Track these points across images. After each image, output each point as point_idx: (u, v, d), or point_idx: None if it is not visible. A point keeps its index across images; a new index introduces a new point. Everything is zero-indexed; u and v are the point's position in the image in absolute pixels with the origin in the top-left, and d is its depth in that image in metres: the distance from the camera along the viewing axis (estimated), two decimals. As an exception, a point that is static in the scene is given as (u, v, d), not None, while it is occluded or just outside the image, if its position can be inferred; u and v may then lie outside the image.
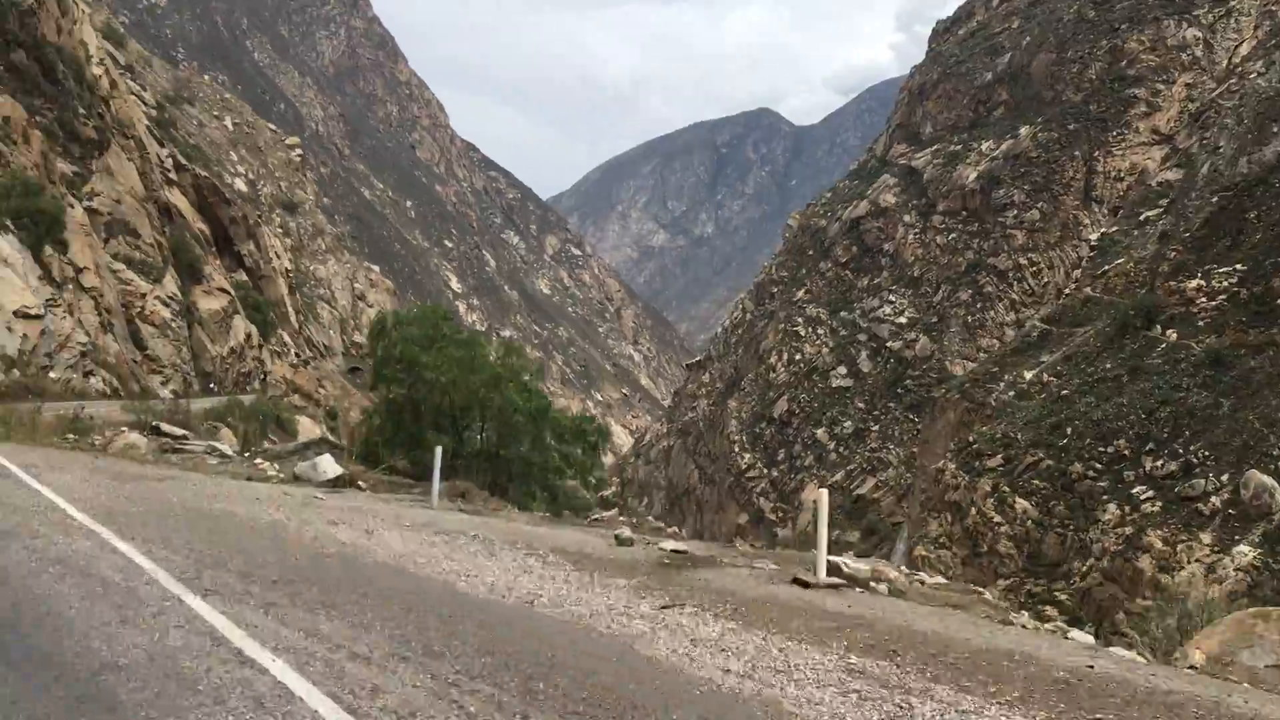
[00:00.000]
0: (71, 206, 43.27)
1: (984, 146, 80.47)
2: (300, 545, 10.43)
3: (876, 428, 69.40)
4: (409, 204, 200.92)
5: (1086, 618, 32.07)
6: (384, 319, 26.26)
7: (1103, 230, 60.40)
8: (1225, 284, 38.97)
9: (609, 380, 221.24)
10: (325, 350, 65.24)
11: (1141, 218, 56.97)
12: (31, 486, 12.92)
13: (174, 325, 48.85)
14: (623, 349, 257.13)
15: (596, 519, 18.68)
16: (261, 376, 55.29)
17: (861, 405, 72.37)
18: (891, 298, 78.09)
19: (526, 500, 19.90)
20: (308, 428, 38.00)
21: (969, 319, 69.97)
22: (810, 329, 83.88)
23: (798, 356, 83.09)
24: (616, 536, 12.67)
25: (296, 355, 59.42)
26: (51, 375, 36.64)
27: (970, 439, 42.12)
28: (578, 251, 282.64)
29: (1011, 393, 43.90)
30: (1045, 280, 68.43)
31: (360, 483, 17.38)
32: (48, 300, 38.37)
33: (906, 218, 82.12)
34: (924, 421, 53.23)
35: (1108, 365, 40.46)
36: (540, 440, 22.44)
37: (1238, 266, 39.22)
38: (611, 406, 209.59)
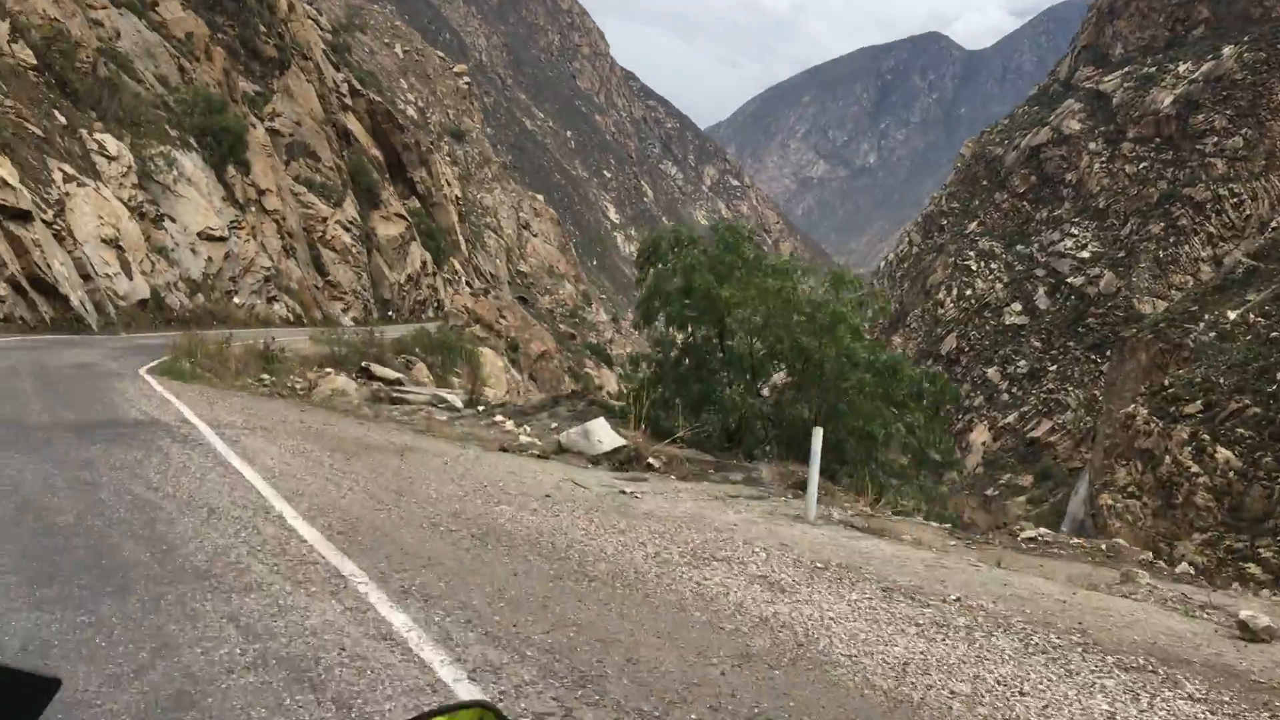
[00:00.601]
0: (254, 126, 42.72)
1: (1181, 68, 74.65)
2: (712, 637, 5.60)
3: (1054, 368, 66.03)
4: (569, 134, 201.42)
5: (1297, 578, 29.61)
6: (659, 238, 18.46)
7: (1318, 158, 55.24)
8: None
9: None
10: (492, 279, 65.60)
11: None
12: (230, 465, 9.60)
13: (355, 251, 48.25)
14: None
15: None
16: (435, 304, 55.20)
17: (1038, 344, 68.96)
18: (1073, 231, 73.80)
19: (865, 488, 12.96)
20: (491, 360, 37.16)
21: (1160, 254, 65.41)
22: (983, 263, 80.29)
23: (968, 292, 79.76)
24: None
25: (468, 284, 59.46)
26: (236, 301, 35.87)
27: (1165, 382, 39.28)
28: (736, 182, 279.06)
29: (1212, 334, 40.69)
30: (1247, 213, 63.25)
31: (651, 459, 12.74)
32: (232, 222, 37.61)
33: (1092, 145, 77.20)
34: (1110, 362, 50.10)
35: (1327, 305, 36.96)
36: (884, 407, 15.47)
37: None
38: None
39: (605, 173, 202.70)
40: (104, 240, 28.65)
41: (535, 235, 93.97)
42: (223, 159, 39.44)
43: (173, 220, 34.28)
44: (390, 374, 21.61)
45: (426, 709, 1.35)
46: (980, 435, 67.41)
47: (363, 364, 21.83)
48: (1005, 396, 68.22)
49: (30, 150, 27.27)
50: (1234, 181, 64.80)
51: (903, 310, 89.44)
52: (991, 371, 70.97)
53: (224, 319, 33.03)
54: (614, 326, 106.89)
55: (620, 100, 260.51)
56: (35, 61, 31.11)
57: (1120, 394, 45.02)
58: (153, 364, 19.06)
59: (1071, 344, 66.11)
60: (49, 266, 24.70)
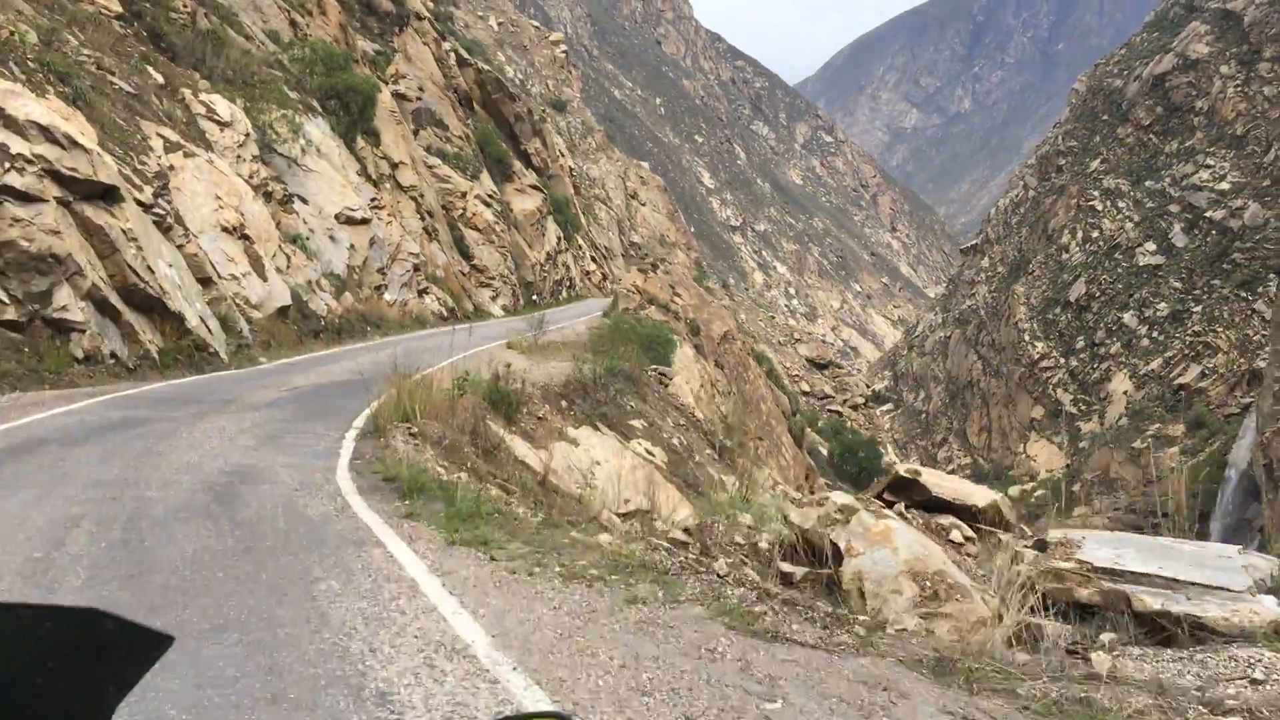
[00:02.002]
0: (380, 89, 36.86)
1: (1322, -23, 69.23)
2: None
3: (1199, 309, 61.96)
4: (658, 101, 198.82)
5: None
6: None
7: None
8: None
9: (867, 270, 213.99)
10: (607, 252, 63.81)
11: None
12: None
13: (498, 229, 43.80)
14: (880, 237, 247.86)
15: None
16: (569, 283, 52.26)
17: (1178, 285, 64.84)
18: (1209, 162, 69.16)
19: None
20: (682, 355, 31.60)
21: (1313, 179, 60.79)
22: (1109, 202, 76.05)
23: (1095, 234, 75.68)
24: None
25: (591, 259, 57.51)
26: (386, 298, 30.65)
27: (1350, 318, 35.80)
28: (829, 138, 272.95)
29: (1399, 261, 36.98)
30: None
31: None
32: (372, 200, 32.01)
33: (1224, 69, 72.20)
34: (1277, 300, 46.35)
35: None
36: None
37: None
38: (871, 297, 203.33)
39: (697, 138, 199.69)
40: (225, 229, 21.88)
41: (644, 205, 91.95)
42: (350, 126, 33.52)
43: (304, 201, 28.40)
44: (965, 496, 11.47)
45: (502, 715, 1.19)
46: (1121, 384, 63.84)
47: (901, 474, 11.65)
48: (1145, 342, 64.40)
49: (118, 110, 20.33)
50: (1394, 95, 59.74)
51: (1023, 258, 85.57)
52: (1128, 316, 67.12)
53: (377, 322, 28.42)
54: (726, 293, 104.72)
55: (707, 63, 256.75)
56: (120, 8, 24.69)
57: (1290, 333, 41.50)
58: (349, 446, 11.23)
59: (1217, 282, 61.91)
60: (150, 270, 16.92)
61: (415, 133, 40.54)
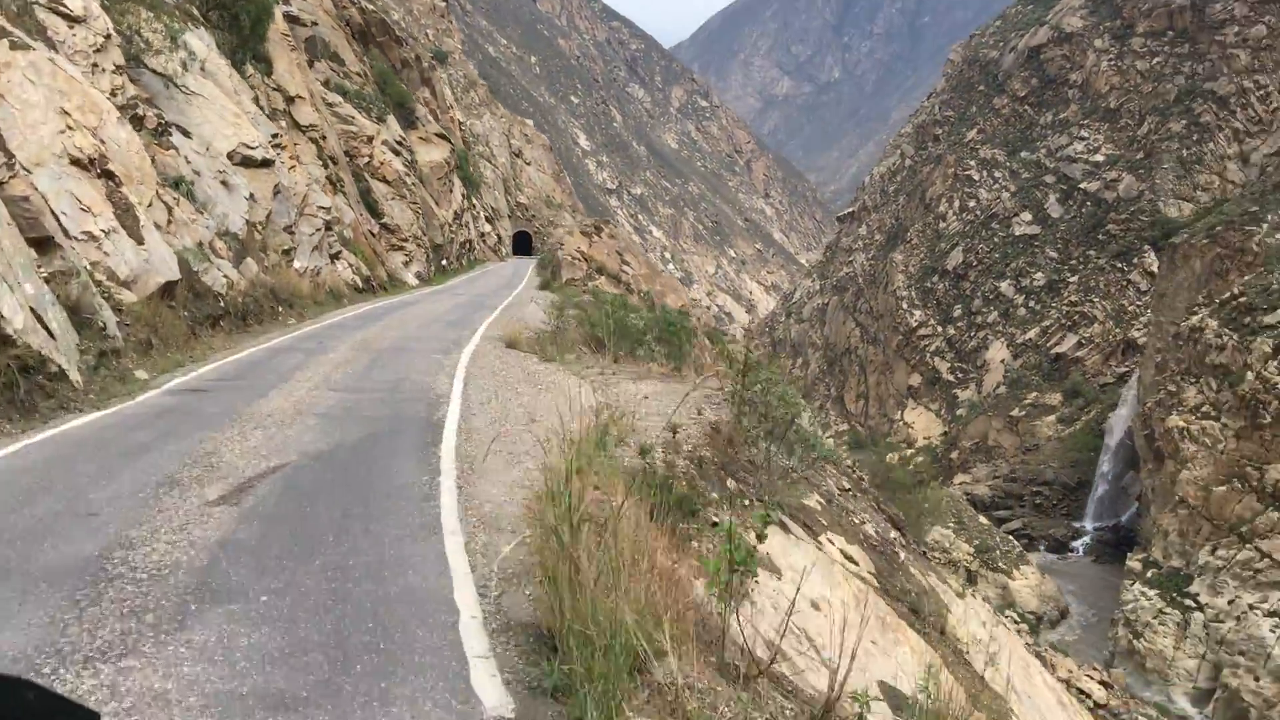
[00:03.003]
0: (273, 5, 30.68)
1: (1192, -45, 70.69)
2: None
3: (1075, 279, 62.94)
4: (533, 59, 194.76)
5: None
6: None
7: (1355, 42, 51.75)
8: None
9: (741, 236, 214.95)
10: (494, 213, 60.74)
11: None
12: None
13: (409, 182, 38.25)
14: (754, 203, 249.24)
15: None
16: (469, 247, 47.27)
17: (1054, 255, 65.77)
18: (1083, 134, 70.28)
19: None
20: None
21: (1183, 153, 62.08)
22: (986, 172, 76.82)
23: (972, 203, 76.40)
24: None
25: (486, 220, 54.12)
26: (296, 265, 24.41)
27: (1236, 291, 36.16)
28: (704, 103, 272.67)
29: (1279, 235, 37.53)
30: (1274, 105, 59.92)
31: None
32: (273, 138, 25.45)
33: (1098, 42, 73.38)
34: (1159, 272, 46.97)
35: None
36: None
37: None
38: (745, 263, 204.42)
39: (573, 98, 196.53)
40: (77, 161, 14.74)
41: (529, 164, 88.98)
42: (239, 47, 26.97)
43: (186, 134, 21.19)
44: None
45: None
46: (998, 353, 64.57)
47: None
48: (1022, 311, 65.23)
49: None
50: (1259, 73, 61.34)
51: (901, 227, 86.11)
52: (1005, 285, 67.92)
53: (289, 298, 22.25)
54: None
55: (583, 22, 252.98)
56: None
57: (1173, 305, 41.97)
58: None
59: (1092, 253, 62.97)
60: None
61: (310, 64, 35.37)
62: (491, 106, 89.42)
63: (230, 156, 22.51)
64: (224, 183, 21.62)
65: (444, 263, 41.22)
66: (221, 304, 18.63)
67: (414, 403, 12.44)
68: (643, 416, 10.95)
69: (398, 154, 39.01)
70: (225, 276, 19.22)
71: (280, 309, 21.50)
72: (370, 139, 36.86)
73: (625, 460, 8.44)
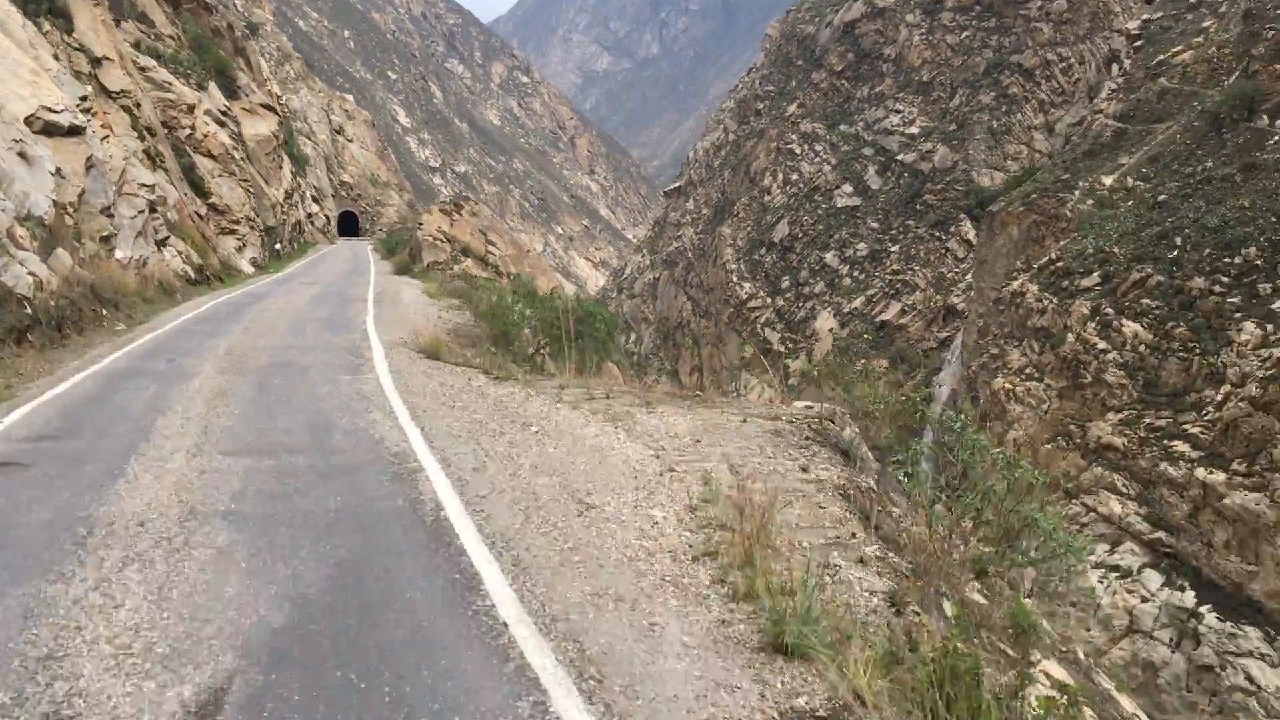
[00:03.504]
0: None
1: (995, -68, 73.38)
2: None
3: (896, 248, 64.64)
4: (347, 34, 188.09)
5: (1231, 454, 28.26)
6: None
7: (1145, 18, 54.55)
8: (1350, 63, 34.01)
9: (568, 212, 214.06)
10: (319, 193, 57.61)
11: None
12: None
13: (237, 157, 34.51)
14: (579, 179, 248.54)
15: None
16: (299, 229, 43.54)
17: (875, 225, 67.39)
18: (899, 107, 72.18)
19: None
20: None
21: (994, 124, 64.46)
22: (807, 146, 78.11)
23: (795, 176, 77.58)
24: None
25: (313, 200, 50.85)
26: (119, 255, 20.71)
27: (1053, 256, 37.49)
28: (526, 79, 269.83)
29: (1090, 201, 39.10)
30: (1076, 77, 62.82)
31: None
32: (82, 101, 21.84)
33: (909, 17, 75.44)
34: (980, 239, 48.46)
35: (1208, 164, 35.67)
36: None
37: (1364, 42, 34.20)
38: (573, 239, 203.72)
39: (390, 74, 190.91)
40: None
41: (351, 141, 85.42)
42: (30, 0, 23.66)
43: None
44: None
45: None
46: (826, 322, 65.82)
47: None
48: (847, 281, 66.65)
49: None
50: (1061, 46, 64.19)
51: (727, 200, 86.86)
52: (830, 256, 69.23)
53: (114, 299, 18.33)
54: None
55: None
56: None
57: (993, 271, 43.35)
58: None
59: (911, 222, 64.78)
60: None
61: (117, 23, 31.31)
62: (308, 81, 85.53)
63: (29, 122, 18.91)
64: (22, 154, 17.92)
65: (278, 247, 37.88)
66: (29, 310, 14.43)
67: (368, 474, 8.54)
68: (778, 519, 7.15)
69: (223, 125, 35.11)
70: (31, 274, 15.17)
71: (105, 312, 17.64)
72: (191, 108, 32.97)
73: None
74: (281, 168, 40.93)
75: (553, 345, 16.91)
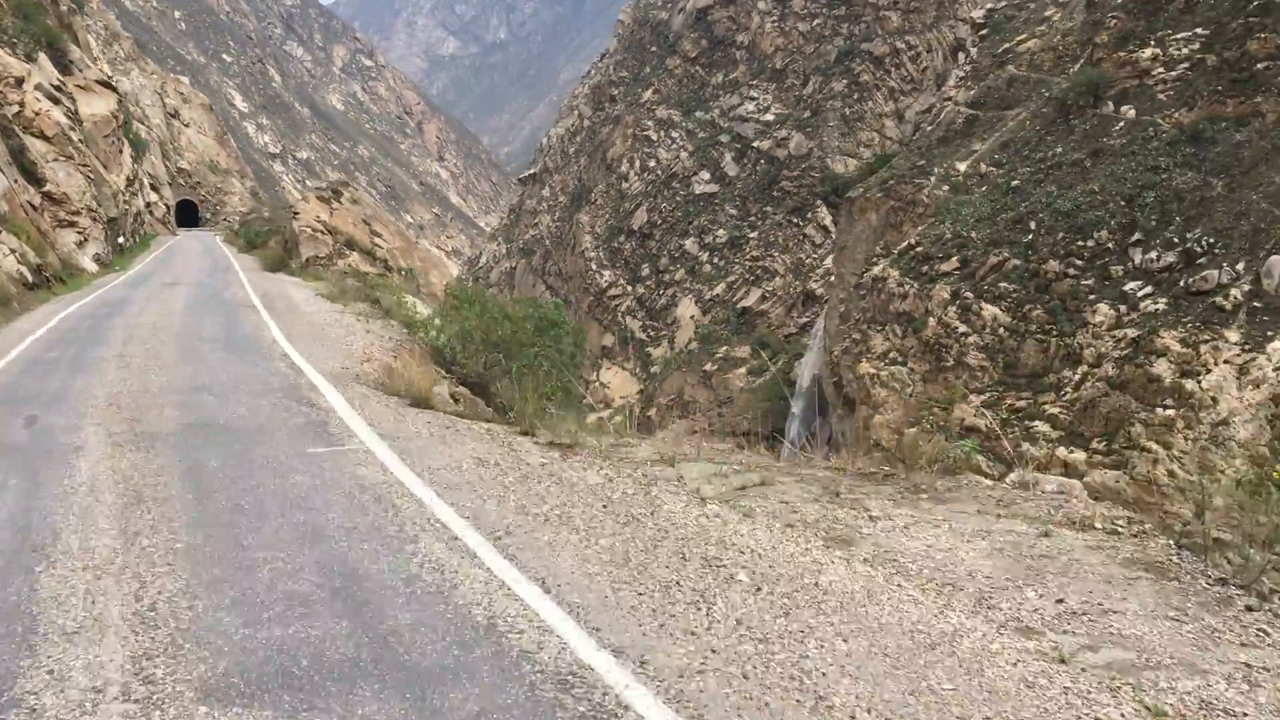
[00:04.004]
0: None
1: (841, -79, 74.51)
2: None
3: (755, 235, 65.07)
4: (178, 14, 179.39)
5: (1090, 433, 29.13)
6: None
7: (989, 6, 56.17)
8: (1185, 51, 35.50)
9: (417, 200, 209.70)
10: (156, 180, 53.86)
11: (1036, -10, 53.08)
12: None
13: (75, 139, 30.92)
14: (428, 166, 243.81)
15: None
16: (140, 221, 40.22)
17: (733, 211, 67.72)
18: (753, 94, 72.69)
19: None
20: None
21: (846, 111, 65.47)
22: (663, 132, 77.99)
23: (652, 163, 77.39)
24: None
25: (151, 188, 47.31)
26: None
27: (912, 241, 38.09)
28: (369, 63, 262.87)
29: (946, 187, 39.88)
30: (924, 65, 64.33)
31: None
32: None
33: (761, 5, 76.02)
34: (840, 225, 49.00)
35: (1058, 149, 36.79)
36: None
37: (1198, 31, 35.76)
38: (424, 228, 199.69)
39: (225, 57, 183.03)
40: None
41: (187, 125, 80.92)
42: None
43: None
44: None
45: None
46: (688, 309, 65.87)
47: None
48: (708, 268, 66.82)
49: None
50: (910, 34, 65.60)
51: (584, 187, 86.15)
52: (689, 243, 69.30)
53: None
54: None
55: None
56: None
57: (853, 256, 43.85)
58: None
59: (769, 209, 65.31)
60: None
61: None
62: (139, 62, 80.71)
63: None
64: None
65: (121, 240, 34.39)
66: None
67: None
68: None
69: (57, 103, 31.28)
70: None
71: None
72: (19, 81, 29.34)
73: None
74: (122, 152, 37.42)
75: (502, 365, 13.81)
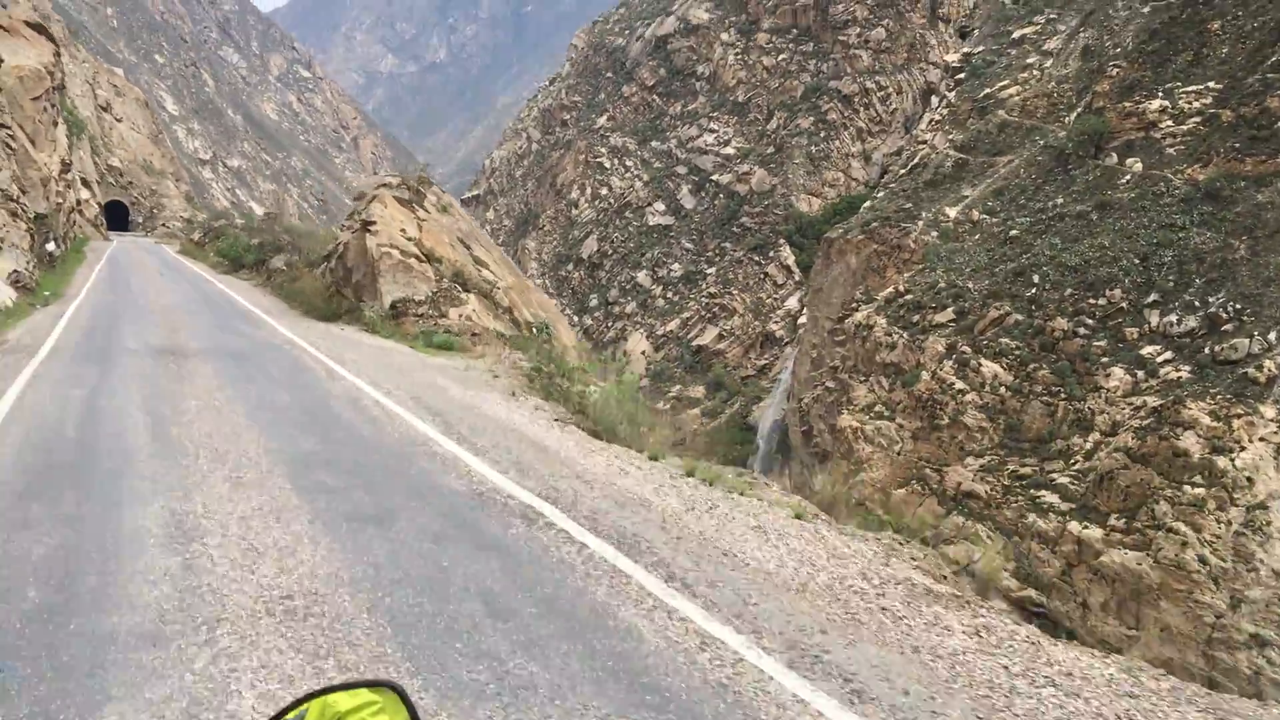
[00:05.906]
0: None
1: (811, -44, 72.95)
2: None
3: (712, 271, 62.52)
4: (110, 11, 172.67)
5: (1107, 508, 26.73)
6: None
7: (965, 51, 54.61)
8: (1197, 105, 33.72)
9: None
10: (85, 176, 48.72)
11: (1015, 35, 51.59)
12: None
13: None
14: (362, 181, 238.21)
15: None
16: (72, 221, 31.92)
17: (690, 245, 65.17)
18: (713, 126, 70.46)
19: None
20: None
21: (812, 149, 63.43)
22: (617, 160, 75.41)
23: (604, 191, 74.73)
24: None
25: (83, 184, 41.71)
26: None
27: (901, 288, 35.69)
28: (307, 74, 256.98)
29: (935, 233, 37.64)
30: (893, 106, 62.62)
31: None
32: None
33: (725, 36, 74.04)
34: (816, 266, 46.57)
35: (1059, 200, 34.78)
36: None
37: (1210, 85, 34.02)
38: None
39: (158, 57, 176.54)
40: None
41: (120, 120, 75.74)
42: None
43: None
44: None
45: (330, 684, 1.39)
46: (638, 344, 62.97)
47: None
48: (661, 302, 64.08)
49: None
50: (880, 74, 63.94)
51: (531, 212, 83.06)
52: (642, 275, 66.55)
53: None
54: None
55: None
56: None
57: (828, 300, 41.43)
58: None
59: (729, 245, 62.86)
60: None
61: None
62: (70, 48, 75.29)
63: None
64: None
65: (50, 248, 24.68)
66: None
67: None
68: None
69: None
70: None
71: None
72: None
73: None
74: (56, 125, 28.63)
75: None
